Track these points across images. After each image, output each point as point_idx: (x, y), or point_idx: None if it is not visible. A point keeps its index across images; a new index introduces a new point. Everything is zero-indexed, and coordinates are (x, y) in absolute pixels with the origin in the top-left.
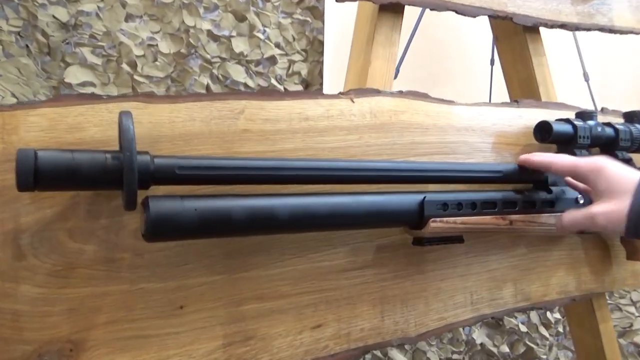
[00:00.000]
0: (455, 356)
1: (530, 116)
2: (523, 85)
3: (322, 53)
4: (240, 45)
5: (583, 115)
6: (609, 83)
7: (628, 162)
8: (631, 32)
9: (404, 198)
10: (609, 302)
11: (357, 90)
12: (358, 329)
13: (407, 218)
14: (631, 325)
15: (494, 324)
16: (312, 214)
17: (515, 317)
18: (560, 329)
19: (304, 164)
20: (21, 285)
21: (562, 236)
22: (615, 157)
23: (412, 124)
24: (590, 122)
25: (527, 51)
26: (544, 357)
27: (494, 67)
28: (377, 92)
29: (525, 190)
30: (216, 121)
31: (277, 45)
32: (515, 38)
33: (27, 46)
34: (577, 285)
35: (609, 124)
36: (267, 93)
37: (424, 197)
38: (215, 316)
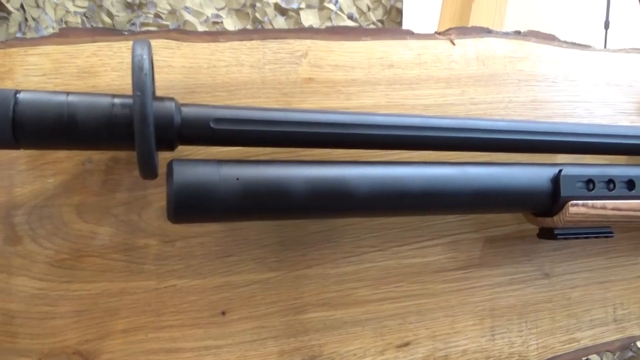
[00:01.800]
0: None
1: None
2: None
3: (400, 24)
4: (309, 18)
5: None
6: None
7: None
8: None
9: (529, 172)
10: None
11: (460, 29)
12: (459, 350)
13: (534, 200)
14: None
15: None
16: (401, 190)
17: None
18: None
19: (389, 120)
20: (15, 278)
21: None
22: None
23: (534, 75)
24: None
25: None
26: None
27: (608, 31)
28: (486, 31)
29: None
30: (271, 67)
31: (350, 17)
32: None
33: (93, 27)
34: None
35: None
36: (339, 31)
37: (560, 170)
38: (268, 326)
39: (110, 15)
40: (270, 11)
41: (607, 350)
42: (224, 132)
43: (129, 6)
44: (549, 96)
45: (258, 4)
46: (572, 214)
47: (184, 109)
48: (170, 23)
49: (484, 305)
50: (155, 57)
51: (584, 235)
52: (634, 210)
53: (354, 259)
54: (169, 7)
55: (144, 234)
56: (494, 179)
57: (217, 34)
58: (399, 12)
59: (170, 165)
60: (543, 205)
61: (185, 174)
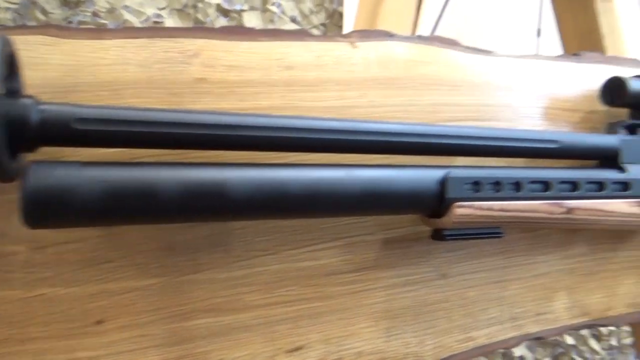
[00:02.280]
0: None
1: (594, 74)
2: (583, 38)
3: (342, 27)
4: (252, 20)
5: None
6: None
7: None
8: None
9: (418, 174)
10: None
11: (362, 33)
12: (354, 352)
13: (421, 201)
14: None
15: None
16: (281, 192)
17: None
18: (614, 342)
19: (275, 122)
20: None
21: (634, 232)
22: None
23: (436, 79)
24: None
25: None
26: None
27: (540, 39)
28: (388, 35)
29: (588, 168)
30: (159, 66)
31: (293, 20)
32: None
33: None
34: None
35: None
36: (234, 31)
37: (447, 172)
38: (150, 335)
39: (45, 12)
40: (212, 12)
41: (503, 348)
42: (87, 132)
43: (66, 3)
44: (451, 100)
45: (200, 5)
46: (458, 215)
47: (45, 108)
48: (109, 22)
49: (379, 307)
50: (30, 54)
51: (473, 236)
52: (521, 211)
53: (245, 263)
54: (108, 6)
55: (12, 240)
56: (381, 181)
57: (101, 31)
58: (341, 15)
59: (26, 167)
60: (431, 207)
61: (40, 175)
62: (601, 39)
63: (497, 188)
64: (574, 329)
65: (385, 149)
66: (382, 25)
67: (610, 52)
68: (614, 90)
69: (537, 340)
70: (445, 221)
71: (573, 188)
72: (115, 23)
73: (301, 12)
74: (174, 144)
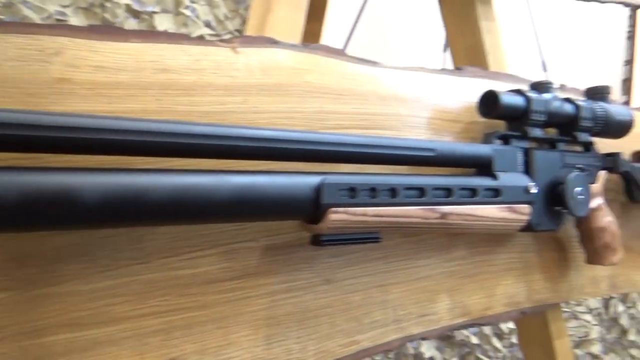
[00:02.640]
0: None
1: (475, 87)
2: (470, 54)
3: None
4: (164, 22)
5: (538, 86)
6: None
7: (588, 146)
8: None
9: (294, 180)
10: (565, 309)
11: (244, 38)
12: None
13: (297, 207)
14: (587, 334)
15: (444, 336)
16: (138, 198)
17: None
18: (514, 340)
19: (138, 126)
20: None
21: (510, 235)
22: (575, 139)
23: (320, 87)
24: (547, 95)
25: (475, 13)
26: None
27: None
28: (272, 42)
29: (464, 175)
30: (13, 64)
31: (207, 25)
32: None
33: None
34: (528, 295)
35: (568, 100)
36: (102, 30)
37: (323, 179)
38: None
39: None
40: (121, 12)
41: (386, 350)
42: None
43: None
44: (336, 108)
45: (108, 4)
46: (333, 220)
47: None
48: (5, 17)
49: (261, 315)
50: None
51: (351, 241)
52: (396, 217)
53: (112, 273)
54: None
55: None
56: (254, 186)
57: None
58: None
59: None
60: (307, 212)
61: None
62: (485, 55)
63: (373, 194)
64: (455, 329)
65: (262, 155)
66: (270, 33)
67: (493, 68)
68: (488, 103)
69: (446, 342)
70: (321, 227)
71: (447, 194)
72: (14, 18)
73: (216, 17)
74: (22, 147)
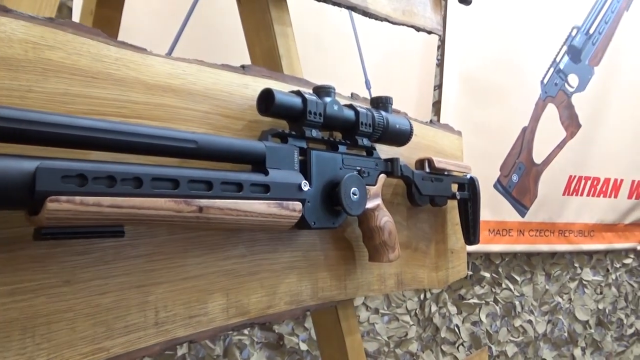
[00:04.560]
0: None
1: (260, 86)
2: (265, 57)
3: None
4: None
5: (320, 90)
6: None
7: (370, 151)
8: (386, 19)
9: (4, 164)
10: (386, 312)
11: None
12: None
13: (8, 196)
14: (406, 334)
15: (275, 344)
16: None
17: (297, 336)
18: None
19: None
20: None
21: (295, 235)
22: (356, 143)
23: (66, 67)
24: (327, 99)
25: (269, 16)
26: None
27: None
28: (4, 10)
29: (230, 170)
30: None
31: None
32: (257, 1)
33: None
34: (313, 293)
35: (350, 106)
36: None
37: (40, 163)
38: None
39: None
40: None
41: (145, 356)
42: None
43: None
44: (87, 91)
45: None
46: (52, 210)
47: None
48: None
49: None
50: None
51: (81, 235)
52: (140, 208)
53: None
54: None
55: None
56: None
57: None
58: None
59: None
60: (22, 202)
61: None
62: (279, 58)
63: (111, 183)
64: (233, 329)
65: None
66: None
67: (287, 71)
68: (265, 101)
69: (277, 350)
70: (40, 218)
71: (207, 188)
72: None
73: None
74: None
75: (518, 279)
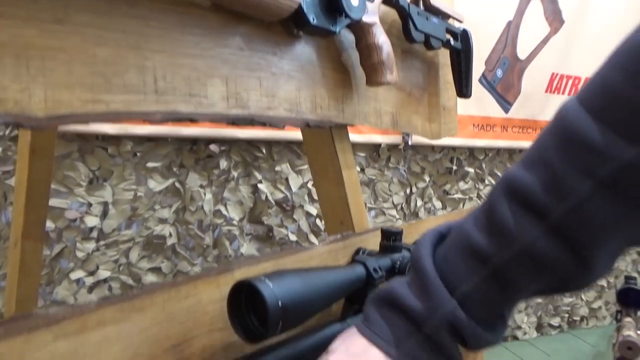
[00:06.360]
0: None
1: None
2: None
3: None
4: None
5: None
6: None
7: None
8: None
9: None
10: (372, 206)
11: None
12: None
13: None
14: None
15: (264, 236)
16: None
17: (286, 227)
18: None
19: None
20: None
21: (292, 43)
22: None
23: None
24: None
25: None
26: None
27: None
28: None
29: None
30: None
31: None
32: None
33: None
34: (312, 108)
35: None
36: None
37: None
38: None
39: None
40: None
41: (145, 118)
42: None
43: None
44: None
45: None
46: None
47: None
48: None
49: None
50: None
51: None
52: None
53: None
54: None
55: None
56: None
57: None
58: None
59: None
60: None
61: None
62: None
63: None
64: (233, 119)
65: None
66: None
67: None
68: None
69: (266, 242)
70: None
71: None
72: None
73: None
74: None
75: (500, 175)
